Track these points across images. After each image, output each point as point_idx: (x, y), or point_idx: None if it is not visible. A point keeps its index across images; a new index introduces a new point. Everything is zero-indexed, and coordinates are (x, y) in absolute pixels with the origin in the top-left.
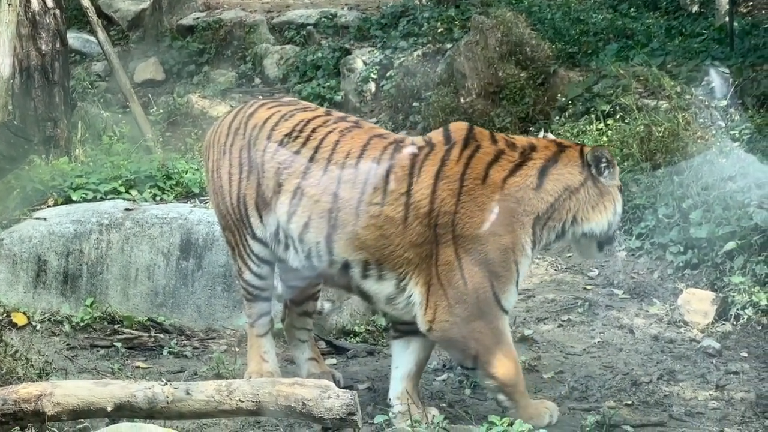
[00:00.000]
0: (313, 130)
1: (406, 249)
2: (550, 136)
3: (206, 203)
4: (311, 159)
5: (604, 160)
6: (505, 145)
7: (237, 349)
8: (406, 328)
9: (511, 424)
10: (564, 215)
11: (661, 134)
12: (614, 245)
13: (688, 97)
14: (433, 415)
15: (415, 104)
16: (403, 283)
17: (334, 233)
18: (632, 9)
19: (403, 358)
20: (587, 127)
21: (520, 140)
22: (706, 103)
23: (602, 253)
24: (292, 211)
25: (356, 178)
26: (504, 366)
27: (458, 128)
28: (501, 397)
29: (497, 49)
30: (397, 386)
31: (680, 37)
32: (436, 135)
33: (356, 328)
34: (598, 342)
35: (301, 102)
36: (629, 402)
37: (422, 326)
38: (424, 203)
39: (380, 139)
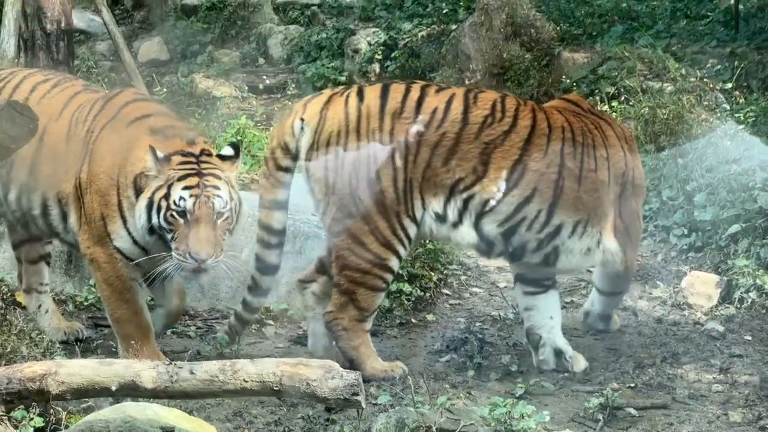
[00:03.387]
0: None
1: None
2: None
3: None
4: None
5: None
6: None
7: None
8: None
9: (514, 406)
10: None
11: (665, 116)
12: None
13: (692, 79)
14: None
15: None
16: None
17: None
18: None
19: None
20: None
21: None
22: (711, 85)
23: None
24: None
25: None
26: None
27: (577, 97)
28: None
29: (502, 30)
30: None
31: (685, 20)
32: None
33: None
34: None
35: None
36: (633, 384)
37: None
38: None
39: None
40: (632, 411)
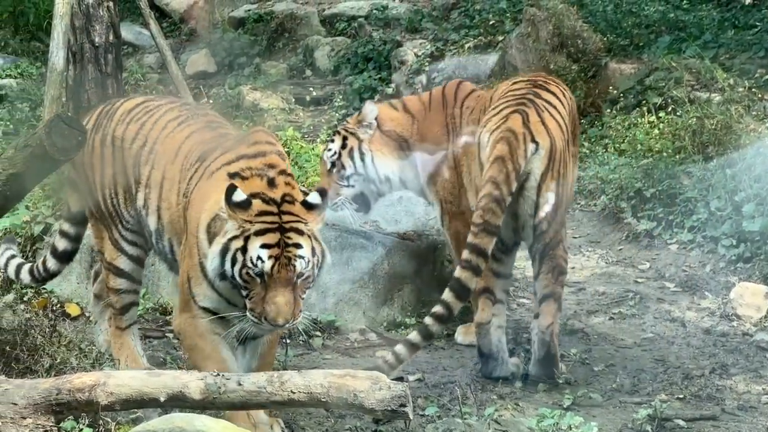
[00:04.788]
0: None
1: None
2: None
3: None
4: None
5: None
6: None
7: (288, 341)
8: None
9: (561, 417)
10: None
11: (713, 127)
12: None
13: (740, 89)
14: None
15: None
16: None
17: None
18: (685, 1)
19: None
20: (639, 119)
21: None
22: (759, 95)
23: None
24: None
25: None
26: None
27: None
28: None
29: (549, 41)
30: None
31: (733, 30)
32: None
33: (407, 320)
34: (650, 335)
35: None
36: (681, 396)
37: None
38: None
39: None
40: (681, 422)
